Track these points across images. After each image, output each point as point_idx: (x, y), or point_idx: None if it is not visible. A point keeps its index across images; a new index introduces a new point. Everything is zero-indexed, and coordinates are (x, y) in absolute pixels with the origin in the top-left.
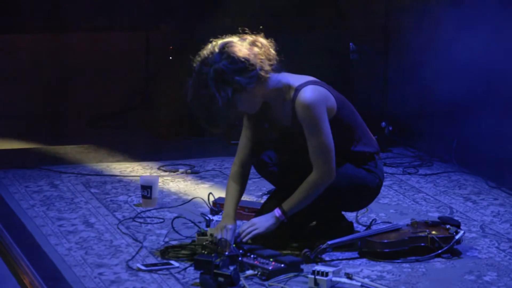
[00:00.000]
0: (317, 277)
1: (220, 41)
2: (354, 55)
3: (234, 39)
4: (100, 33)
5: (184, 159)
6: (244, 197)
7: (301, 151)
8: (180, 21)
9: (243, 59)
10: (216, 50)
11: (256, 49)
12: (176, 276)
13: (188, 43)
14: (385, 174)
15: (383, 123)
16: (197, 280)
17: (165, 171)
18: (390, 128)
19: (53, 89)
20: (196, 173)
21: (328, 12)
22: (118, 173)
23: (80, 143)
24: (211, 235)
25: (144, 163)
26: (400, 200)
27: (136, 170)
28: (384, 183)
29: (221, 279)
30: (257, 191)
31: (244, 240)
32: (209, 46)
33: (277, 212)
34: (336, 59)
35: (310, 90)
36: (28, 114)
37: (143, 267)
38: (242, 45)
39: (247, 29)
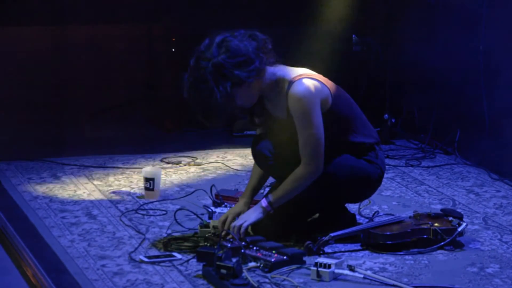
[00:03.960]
0: (319, 269)
1: (217, 35)
2: (357, 47)
3: (232, 33)
4: (102, 26)
5: (187, 151)
6: None
7: (297, 144)
8: (182, 13)
9: (242, 53)
10: (214, 44)
11: (254, 43)
12: (178, 268)
13: (190, 35)
14: (387, 166)
15: (386, 115)
16: (200, 272)
17: (167, 163)
18: (393, 120)
19: (55, 82)
20: (199, 165)
21: (330, 4)
22: (120, 165)
23: (82, 135)
24: (214, 227)
25: (147, 155)
26: (403, 192)
27: (138, 162)
28: (386, 175)
29: (223, 271)
30: None
31: (241, 235)
32: (206, 40)
33: (263, 202)
34: (339, 51)
35: (302, 83)
36: (29, 106)
37: (145, 259)
38: (240, 39)
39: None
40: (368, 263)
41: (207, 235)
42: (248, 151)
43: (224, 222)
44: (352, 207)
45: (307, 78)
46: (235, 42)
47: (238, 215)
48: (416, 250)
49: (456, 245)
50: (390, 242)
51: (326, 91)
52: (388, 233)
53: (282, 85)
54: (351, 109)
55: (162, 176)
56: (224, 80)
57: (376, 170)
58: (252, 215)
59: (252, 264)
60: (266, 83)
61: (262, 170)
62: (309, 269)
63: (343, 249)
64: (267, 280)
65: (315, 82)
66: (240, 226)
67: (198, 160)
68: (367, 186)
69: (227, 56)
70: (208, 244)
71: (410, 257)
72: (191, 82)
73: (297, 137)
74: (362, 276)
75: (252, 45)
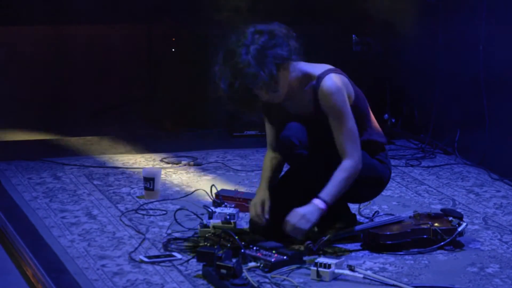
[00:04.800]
0: (319, 269)
1: (243, 29)
2: (357, 47)
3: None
4: (102, 26)
5: (187, 151)
6: (247, 189)
7: (320, 140)
8: (182, 13)
9: (279, 35)
10: (248, 33)
11: (284, 30)
12: (178, 268)
13: (190, 35)
14: None
15: (386, 115)
16: (200, 272)
17: (167, 163)
18: (393, 120)
19: (55, 82)
20: (199, 165)
21: (330, 4)
22: (120, 165)
23: (82, 135)
24: (214, 227)
25: (147, 155)
26: (403, 192)
27: (138, 162)
28: None
29: (223, 271)
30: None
31: (297, 238)
32: (233, 36)
33: (321, 204)
34: (339, 51)
35: (333, 78)
36: (29, 106)
37: (145, 259)
38: (269, 25)
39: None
40: (368, 263)
41: (207, 235)
42: (248, 151)
43: (257, 213)
44: (352, 207)
45: (335, 73)
46: (268, 27)
47: (263, 203)
48: (416, 250)
49: (456, 245)
50: (390, 242)
51: (351, 86)
52: (388, 233)
53: (307, 80)
54: (367, 107)
55: (162, 176)
56: (268, 61)
57: (387, 170)
58: (311, 217)
59: (252, 264)
60: (292, 78)
61: (278, 160)
62: (309, 269)
63: (343, 249)
64: (267, 280)
65: (343, 77)
66: (303, 229)
67: (198, 160)
68: (378, 186)
69: (266, 39)
70: (208, 244)
71: (410, 257)
72: (232, 70)
73: (320, 132)
74: (362, 276)
75: (283, 31)
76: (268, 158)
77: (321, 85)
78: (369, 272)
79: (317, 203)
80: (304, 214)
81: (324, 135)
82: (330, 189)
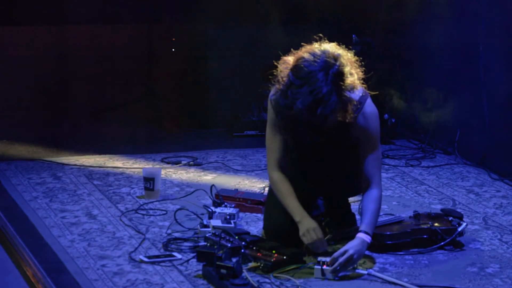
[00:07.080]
0: (324, 267)
1: (316, 47)
2: (357, 47)
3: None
4: (102, 26)
5: (187, 151)
6: (247, 189)
7: (328, 159)
8: (182, 13)
9: (348, 63)
10: (321, 54)
11: (350, 57)
12: (178, 268)
13: (190, 35)
14: (387, 166)
15: (386, 115)
16: (200, 272)
17: (167, 163)
18: (393, 120)
19: (55, 82)
20: (199, 165)
21: (330, 4)
22: (120, 165)
23: (82, 135)
24: (214, 227)
25: (147, 155)
26: (403, 192)
27: (138, 162)
28: (386, 175)
29: (223, 271)
30: (259, 183)
31: (338, 275)
32: (307, 50)
33: (367, 238)
34: None
35: (372, 104)
36: (29, 106)
37: (145, 259)
38: (340, 49)
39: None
40: (368, 263)
41: (207, 235)
42: (248, 151)
43: (319, 237)
44: (352, 207)
45: (370, 98)
46: (339, 51)
47: (317, 229)
48: (416, 250)
49: (456, 245)
50: (390, 242)
51: None
52: (388, 233)
53: None
54: None
55: (162, 176)
56: (343, 88)
57: None
58: (362, 251)
59: (252, 264)
60: None
61: (289, 182)
62: (312, 267)
63: None
64: (267, 280)
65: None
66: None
67: (198, 160)
68: None
69: (341, 65)
70: (208, 244)
71: (410, 257)
72: (314, 96)
73: (333, 152)
74: (366, 272)
75: (349, 55)
76: (283, 181)
77: (363, 110)
78: (371, 271)
79: (365, 238)
80: (352, 254)
81: (337, 149)
82: (369, 222)
